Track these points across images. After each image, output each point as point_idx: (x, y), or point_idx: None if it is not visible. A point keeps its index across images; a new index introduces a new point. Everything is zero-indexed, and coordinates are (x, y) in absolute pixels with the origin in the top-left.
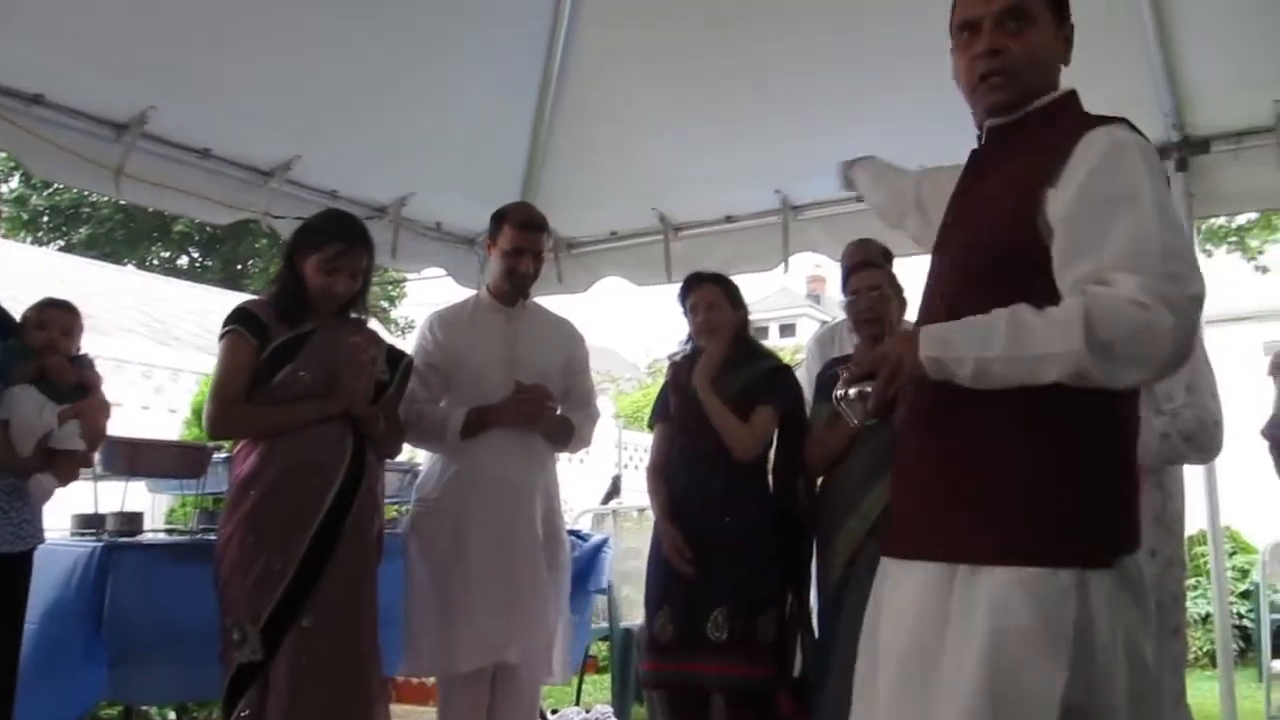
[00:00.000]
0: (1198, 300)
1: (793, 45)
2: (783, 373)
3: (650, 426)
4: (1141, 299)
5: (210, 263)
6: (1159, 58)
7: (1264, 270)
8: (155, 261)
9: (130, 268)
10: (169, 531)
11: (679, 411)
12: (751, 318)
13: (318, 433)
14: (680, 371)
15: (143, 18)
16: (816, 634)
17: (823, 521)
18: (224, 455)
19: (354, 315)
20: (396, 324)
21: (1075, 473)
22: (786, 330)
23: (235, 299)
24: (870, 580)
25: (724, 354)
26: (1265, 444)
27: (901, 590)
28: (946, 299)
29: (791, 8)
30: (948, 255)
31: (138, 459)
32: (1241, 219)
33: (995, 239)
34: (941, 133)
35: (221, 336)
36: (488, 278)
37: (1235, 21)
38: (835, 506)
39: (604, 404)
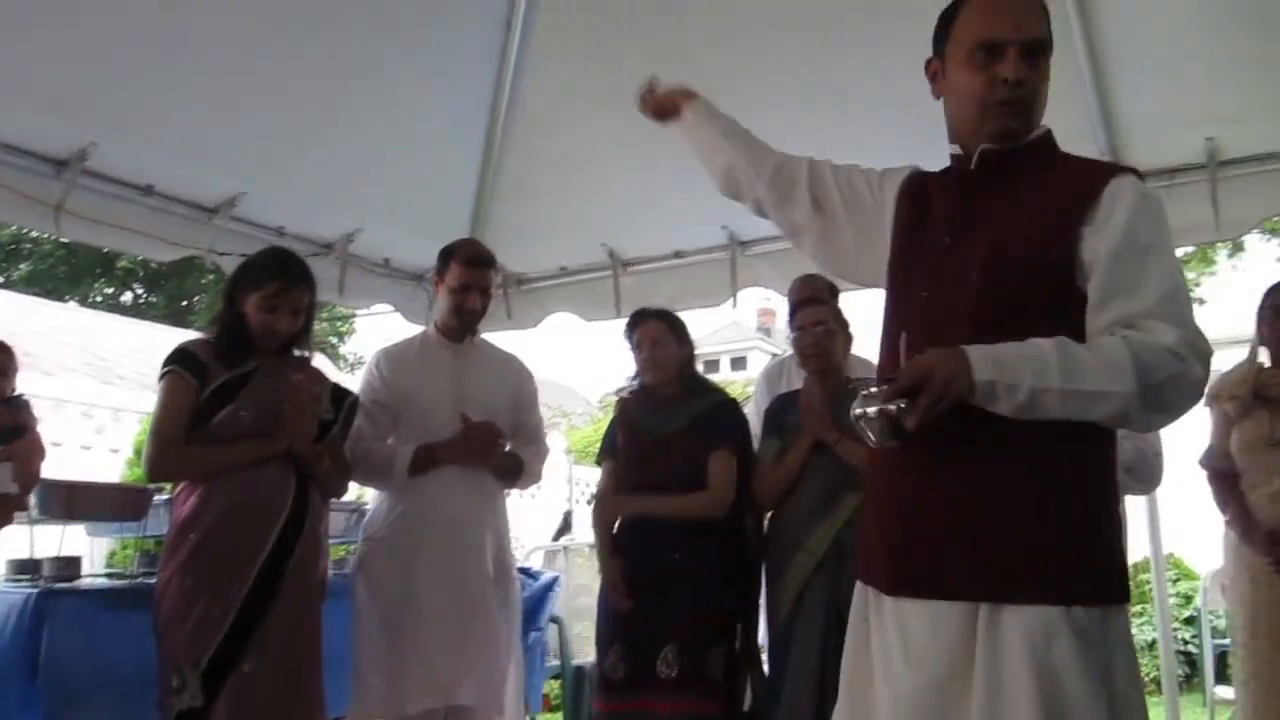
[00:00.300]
0: (1211, 356)
1: (740, 81)
2: (730, 408)
3: (598, 463)
4: (1179, 349)
5: (155, 299)
6: (1094, 96)
7: (1201, 302)
8: (98, 298)
9: (72, 304)
10: (109, 575)
11: (626, 447)
12: (703, 351)
13: (259, 473)
14: (628, 407)
15: (82, 54)
16: (766, 669)
17: (770, 556)
18: (165, 497)
19: (298, 353)
20: (345, 360)
21: (1099, 511)
22: (738, 363)
23: (180, 336)
24: (820, 615)
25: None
26: (1204, 473)
27: (913, 630)
28: (967, 324)
29: (739, 44)
30: (957, 278)
31: (75, 502)
32: (1179, 252)
33: (1031, 270)
34: (894, 159)
35: (161, 377)
36: (436, 314)
37: (1167, 60)
38: (783, 542)
39: (555, 439)
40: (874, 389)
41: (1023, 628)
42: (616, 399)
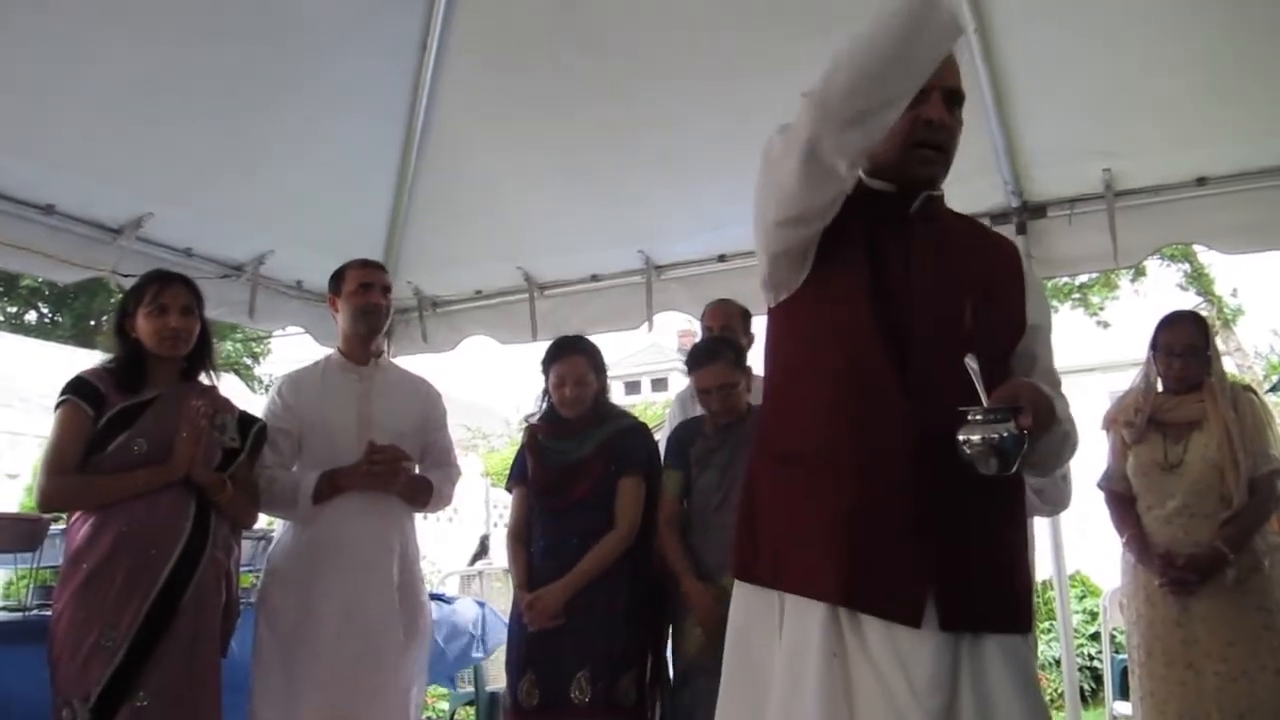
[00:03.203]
0: None
1: (653, 104)
2: (638, 432)
3: (508, 489)
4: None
5: (60, 319)
6: (999, 129)
7: (1105, 325)
8: (0, 317)
9: None
10: (3, 608)
11: (535, 474)
12: (624, 372)
13: (154, 501)
14: (537, 433)
15: None
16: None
17: (671, 596)
18: (60, 527)
19: (204, 382)
20: (259, 381)
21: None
22: (658, 384)
23: (86, 357)
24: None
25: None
26: (1102, 495)
27: (913, 660)
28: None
29: (652, 66)
30: (948, 321)
31: None
32: (1083, 277)
33: (1012, 327)
34: None
35: (56, 406)
36: (338, 336)
37: (1067, 94)
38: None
39: (473, 462)
40: (978, 415)
41: (1002, 655)
42: (525, 425)
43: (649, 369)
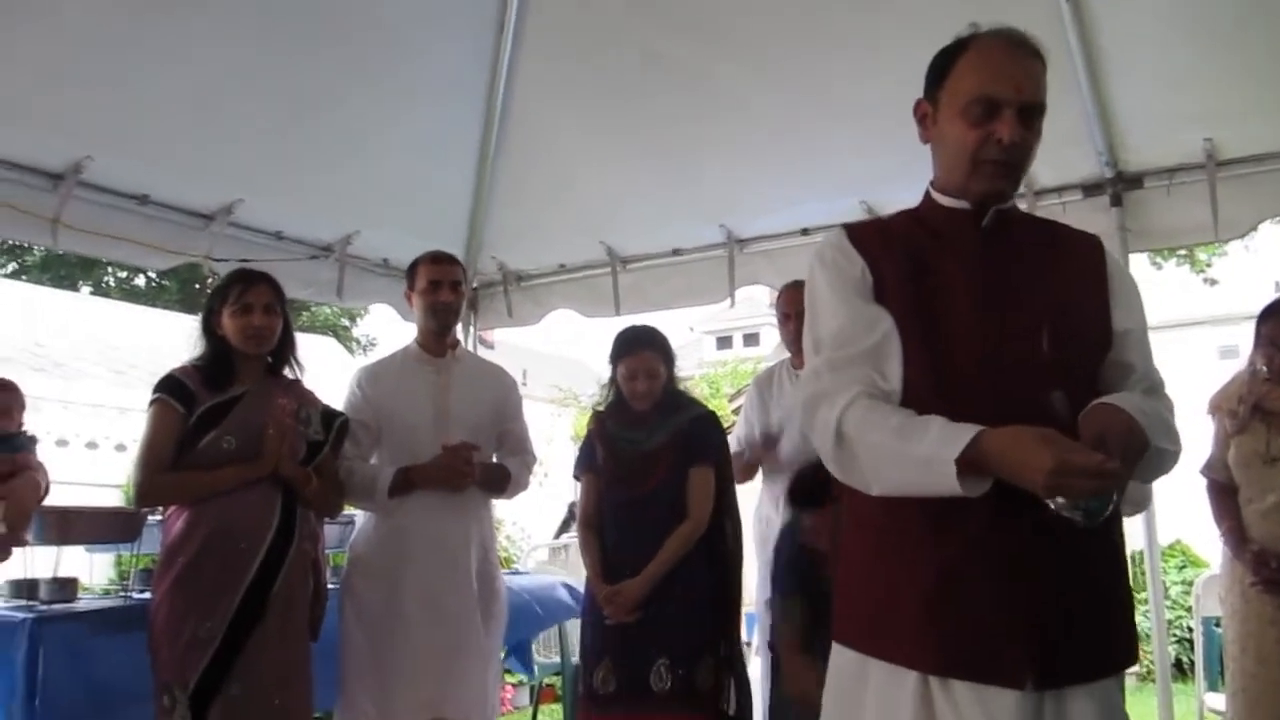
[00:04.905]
0: None
1: (731, 79)
2: (709, 422)
3: (576, 477)
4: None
5: (167, 283)
6: (1090, 97)
7: (1212, 283)
8: (111, 282)
9: (85, 292)
10: (109, 592)
11: (606, 462)
12: (715, 328)
13: (244, 497)
14: (606, 422)
15: (74, 69)
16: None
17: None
18: (158, 518)
19: (288, 376)
20: (358, 342)
21: None
22: (750, 340)
23: (192, 324)
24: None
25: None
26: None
27: (1004, 711)
28: (1043, 393)
29: (727, 43)
30: (1021, 349)
31: (69, 528)
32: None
33: (1096, 342)
34: (883, 165)
35: (149, 405)
36: (415, 330)
37: (1164, 60)
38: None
39: (563, 424)
40: None
41: (1088, 697)
42: (593, 412)
43: (741, 324)
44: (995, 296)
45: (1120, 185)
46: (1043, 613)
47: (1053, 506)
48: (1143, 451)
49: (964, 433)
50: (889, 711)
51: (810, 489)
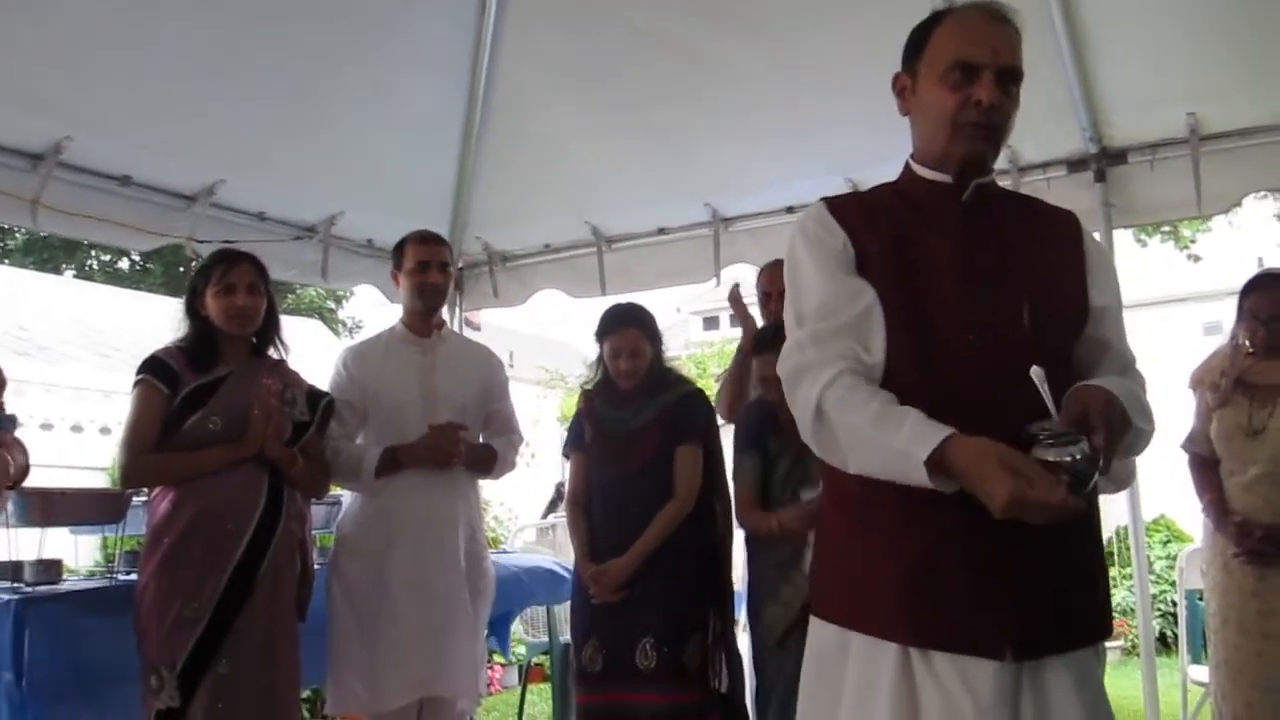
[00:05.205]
0: None
1: (716, 56)
2: (696, 399)
3: (565, 456)
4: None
5: (151, 266)
6: (1074, 72)
7: (1196, 259)
8: (94, 265)
9: (68, 276)
10: (94, 574)
11: (594, 441)
12: (701, 308)
13: (230, 477)
14: (594, 401)
15: (55, 48)
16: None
17: (753, 573)
18: (143, 499)
19: (273, 357)
20: (344, 324)
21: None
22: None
23: (177, 307)
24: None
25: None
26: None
27: (978, 686)
28: (1020, 369)
29: (713, 19)
30: (1001, 325)
31: (52, 509)
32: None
33: (1074, 319)
34: (869, 143)
35: (133, 386)
36: (400, 310)
37: (1147, 35)
38: (762, 574)
39: (549, 405)
40: (1047, 438)
41: (1065, 666)
42: (581, 391)
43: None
44: (976, 271)
45: (1104, 161)
46: (1021, 585)
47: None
48: (1125, 429)
49: (936, 433)
50: (869, 684)
51: (770, 337)
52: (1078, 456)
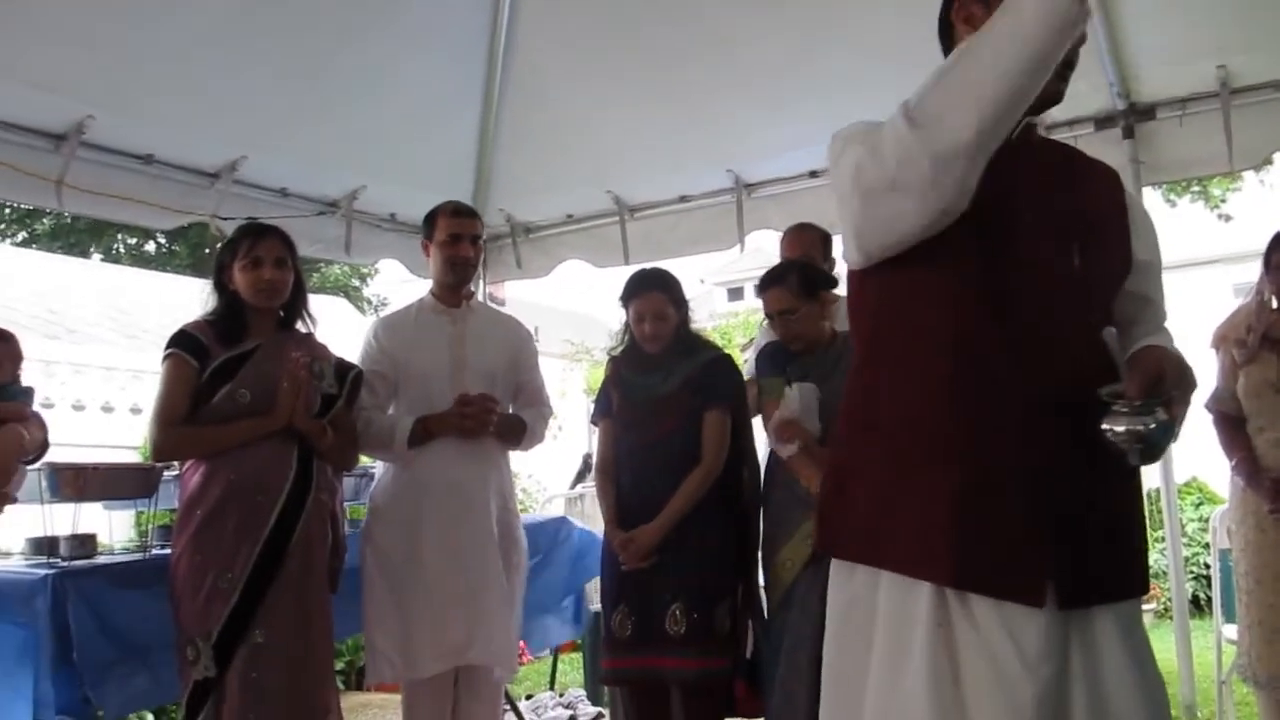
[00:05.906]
0: None
1: (736, 19)
2: (723, 364)
3: (594, 423)
4: None
5: (177, 248)
6: (1101, 28)
7: (1227, 219)
8: (121, 249)
9: (96, 259)
10: (127, 549)
11: (620, 407)
12: (727, 279)
13: (261, 449)
14: (620, 367)
15: (76, 29)
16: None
17: (766, 525)
18: (174, 473)
19: (301, 330)
20: (369, 302)
21: None
22: None
23: (203, 288)
24: (813, 603)
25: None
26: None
27: (1022, 634)
28: (1082, 318)
29: None
30: (1059, 269)
31: (85, 484)
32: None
33: (1120, 266)
34: (894, 102)
35: (163, 360)
36: (430, 281)
37: None
38: (773, 526)
39: (575, 378)
40: (1122, 406)
41: (1114, 620)
42: (609, 358)
43: (752, 274)
44: (1025, 205)
45: (1132, 117)
46: (1075, 524)
47: (1110, 439)
48: (1191, 390)
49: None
50: (901, 619)
51: (773, 274)
52: (1152, 426)
